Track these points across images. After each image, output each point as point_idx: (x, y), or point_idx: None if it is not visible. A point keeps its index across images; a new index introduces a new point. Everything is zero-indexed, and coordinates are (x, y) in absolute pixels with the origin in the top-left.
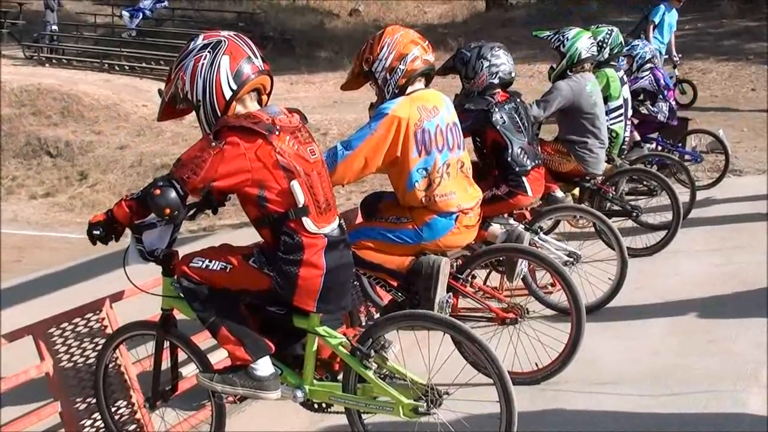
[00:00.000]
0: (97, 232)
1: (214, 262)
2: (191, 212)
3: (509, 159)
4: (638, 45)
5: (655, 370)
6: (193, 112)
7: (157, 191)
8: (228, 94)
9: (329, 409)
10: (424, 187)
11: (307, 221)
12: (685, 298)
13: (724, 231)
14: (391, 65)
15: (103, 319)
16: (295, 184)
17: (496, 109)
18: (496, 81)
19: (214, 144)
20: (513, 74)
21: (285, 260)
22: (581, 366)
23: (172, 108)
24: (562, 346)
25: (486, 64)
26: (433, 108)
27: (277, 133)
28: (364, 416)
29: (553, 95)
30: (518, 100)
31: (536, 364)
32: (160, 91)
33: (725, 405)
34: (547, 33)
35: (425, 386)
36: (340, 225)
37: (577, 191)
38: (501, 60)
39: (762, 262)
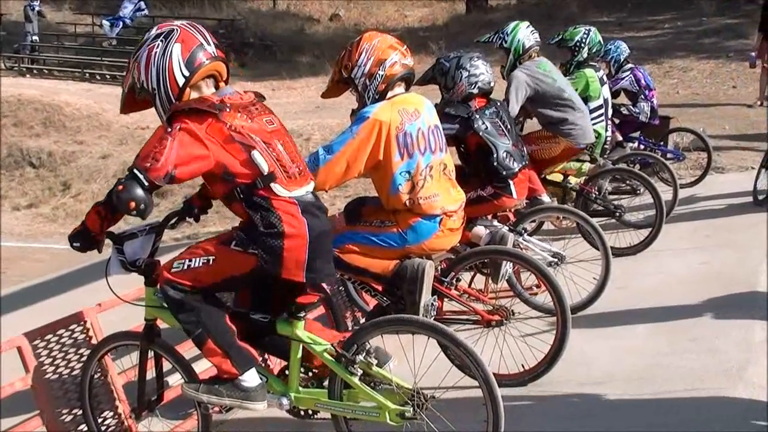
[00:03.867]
0: (77, 244)
1: (194, 259)
2: (173, 221)
3: (495, 164)
4: (611, 49)
5: (640, 370)
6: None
7: (120, 187)
8: (181, 80)
9: (315, 416)
10: (408, 189)
11: (276, 187)
12: (669, 297)
13: (708, 229)
14: (371, 71)
15: (88, 330)
16: (255, 154)
17: (477, 116)
18: (475, 91)
19: (169, 130)
20: (492, 83)
21: (267, 234)
22: (567, 366)
23: (133, 99)
24: (547, 347)
25: (465, 74)
26: (414, 111)
27: (227, 110)
28: (351, 422)
29: (513, 86)
30: (498, 103)
31: (522, 366)
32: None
33: (710, 403)
34: (488, 36)
35: (411, 391)
36: (314, 192)
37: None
38: (480, 70)
39: (745, 260)
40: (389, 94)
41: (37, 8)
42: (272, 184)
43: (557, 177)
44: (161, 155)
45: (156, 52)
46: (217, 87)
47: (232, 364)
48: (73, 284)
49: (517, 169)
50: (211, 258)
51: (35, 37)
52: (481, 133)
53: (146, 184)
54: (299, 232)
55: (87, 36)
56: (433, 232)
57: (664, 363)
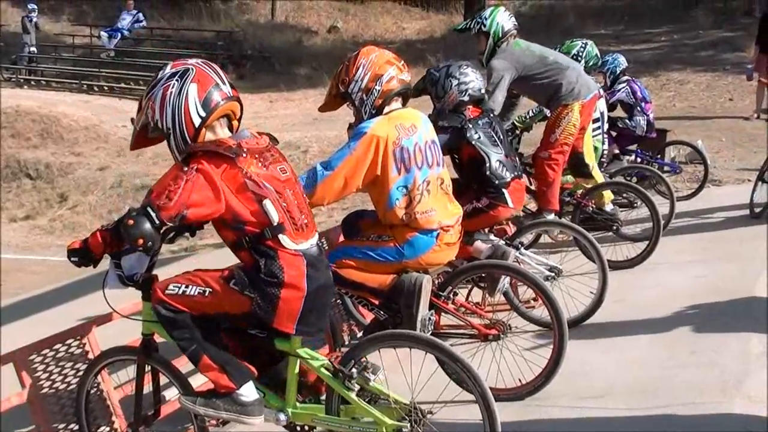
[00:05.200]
0: (75, 259)
1: (191, 287)
2: (170, 235)
3: (488, 173)
4: (608, 60)
5: (638, 383)
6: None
7: (131, 221)
8: (197, 121)
9: None
10: (405, 204)
11: (284, 238)
12: (667, 310)
13: (705, 242)
14: (368, 86)
15: (84, 344)
16: (267, 203)
17: (470, 126)
18: (466, 98)
19: (185, 170)
20: (482, 90)
21: (266, 282)
22: (565, 380)
23: (144, 137)
24: (545, 362)
25: (455, 82)
26: (411, 126)
27: (244, 155)
28: None
29: (494, 76)
30: (491, 114)
31: (520, 380)
32: (132, 120)
33: (710, 416)
34: (465, 22)
35: (408, 406)
36: (318, 244)
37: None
38: (469, 77)
39: (742, 272)
40: (386, 109)
41: (35, 19)
42: (280, 236)
43: None
44: (175, 194)
45: (172, 92)
46: (230, 127)
47: (228, 378)
48: (70, 297)
49: (509, 179)
50: (207, 290)
51: (33, 48)
52: (473, 143)
53: (157, 222)
54: (298, 285)
55: (85, 47)
56: (430, 246)
57: (662, 376)
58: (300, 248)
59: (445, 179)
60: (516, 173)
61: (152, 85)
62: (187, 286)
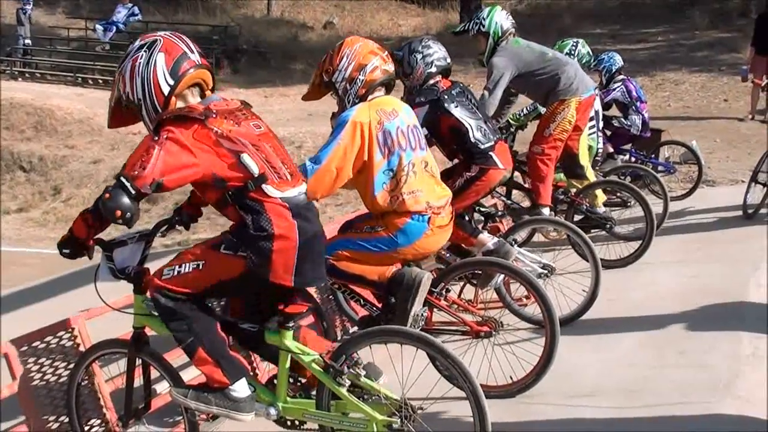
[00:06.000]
0: (66, 251)
1: (184, 265)
2: (163, 229)
3: (473, 140)
4: (604, 59)
5: (629, 383)
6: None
7: (107, 195)
8: (166, 89)
9: (303, 427)
10: (391, 187)
11: (268, 188)
12: (659, 310)
13: (698, 242)
14: (351, 76)
15: (76, 337)
16: (245, 157)
17: (446, 97)
18: (433, 69)
19: (156, 139)
20: (448, 60)
21: (257, 237)
22: (556, 379)
23: (120, 113)
24: (536, 359)
25: (419, 56)
26: (392, 111)
27: (213, 116)
28: None
29: (495, 74)
30: (461, 85)
31: (511, 378)
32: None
33: (699, 417)
34: (463, 24)
35: (399, 402)
36: (306, 193)
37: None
38: (432, 49)
39: (735, 273)
40: (369, 98)
41: (29, 12)
42: (263, 186)
43: None
44: (147, 164)
45: (140, 63)
46: (203, 96)
47: (222, 373)
48: (63, 290)
49: (494, 141)
50: (200, 263)
51: (28, 41)
52: (452, 111)
53: (133, 192)
54: (289, 235)
55: (80, 40)
56: (423, 231)
57: (653, 375)
58: (286, 196)
59: (429, 162)
60: (498, 135)
61: (122, 59)
62: (180, 266)
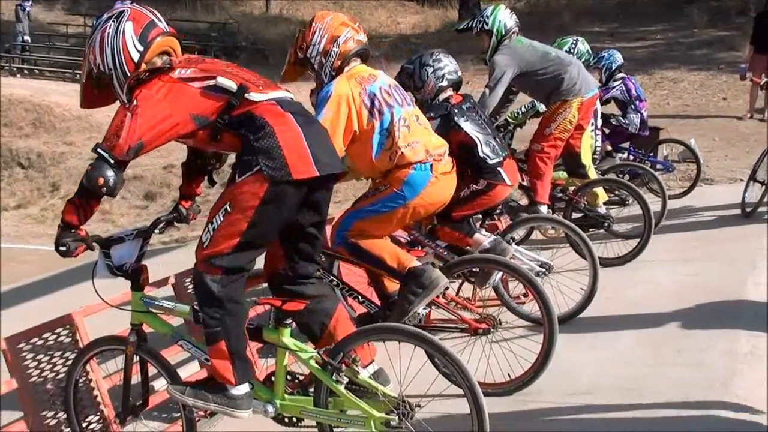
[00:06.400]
0: (63, 248)
1: (214, 220)
2: (161, 225)
3: (481, 154)
4: (604, 56)
5: (626, 381)
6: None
7: (90, 168)
8: (135, 56)
9: (300, 424)
10: (389, 145)
11: (251, 95)
12: (657, 308)
13: (696, 240)
14: (325, 49)
15: (74, 333)
16: (220, 79)
17: (456, 111)
18: (444, 83)
19: (127, 106)
20: (459, 73)
21: (259, 139)
22: (554, 376)
23: (92, 91)
24: (534, 357)
25: (430, 70)
26: (369, 75)
27: (177, 64)
28: (336, 430)
29: (497, 72)
30: (471, 99)
31: (509, 375)
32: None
33: (696, 415)
34: (466, 22)
35: (397, 399)
36: (292, 95)
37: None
38: (443, 63)
39: (733, 271)
40: (345, 70)
41: (28, 8)
42: (246, 95)
43: None
44: (122, 131)
45: (109, 33)
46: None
47: (233, 372)
48: (61, 286)
49: (502, 157)
50: (226, 205)
51: (26, 37)
52: (462, 126)
53: (112, 161)
54: (288, 126)
55: (78, 36)
56: (428, 179)
57: (651, 374)
58: (271, 96)
59: (419, 116)
60: (506, 152)
61: (90, 32)
62: (211, 223)
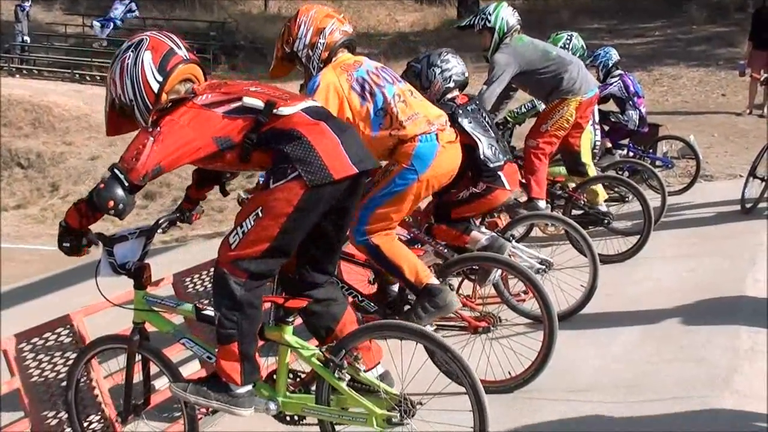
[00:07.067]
0: (66, 245)
1: (244, 223)
2: (164, 225)
3: (482, 157)
4: (600, 54)
5: (627, 378)
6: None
7: (102, 185)
8: (155, 86)
9: (302, 422)
10: (389, 123)
11: (279, 110)
12: (657, 305)
13: (695, 236)
14: (312, 41)
15: (74, 333)
16: (246, 99)
17: (461, 112)
18: (451, 84)
19: (150, 130)
20: (466, 74)
21: (294, 147)
22: (554, 373)
23: (116, 118)
24: (534, 354)
25: (438, 70)
26: (354, 62)
27: (199, 91)
28: (337, 428)
29: (496, 70)
30: (476, 101)
31: (509, 373)
32: None
33: (697, 412)
34: (469, 19)
35: (398, 396)
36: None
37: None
38: (451, 63)
39: (732, 267)
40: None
41: (27, 8)
42: (275, 111)
43: None
44: (142, 155)
45: (128, 63)
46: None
47: (240, 373)
48: (62, 286)
49: (503, 161)
50: (258, 209)
51: (26, 38)
52: (465, 128)
53: (126, 184)
54: (324, 134)
55: (77, 37)
56: (435, 149)
57: (652, 371)
58: (299, 108)
59: (413, 91)
60: (508, 156)
61: (111, 62)
62: (241, 226)
